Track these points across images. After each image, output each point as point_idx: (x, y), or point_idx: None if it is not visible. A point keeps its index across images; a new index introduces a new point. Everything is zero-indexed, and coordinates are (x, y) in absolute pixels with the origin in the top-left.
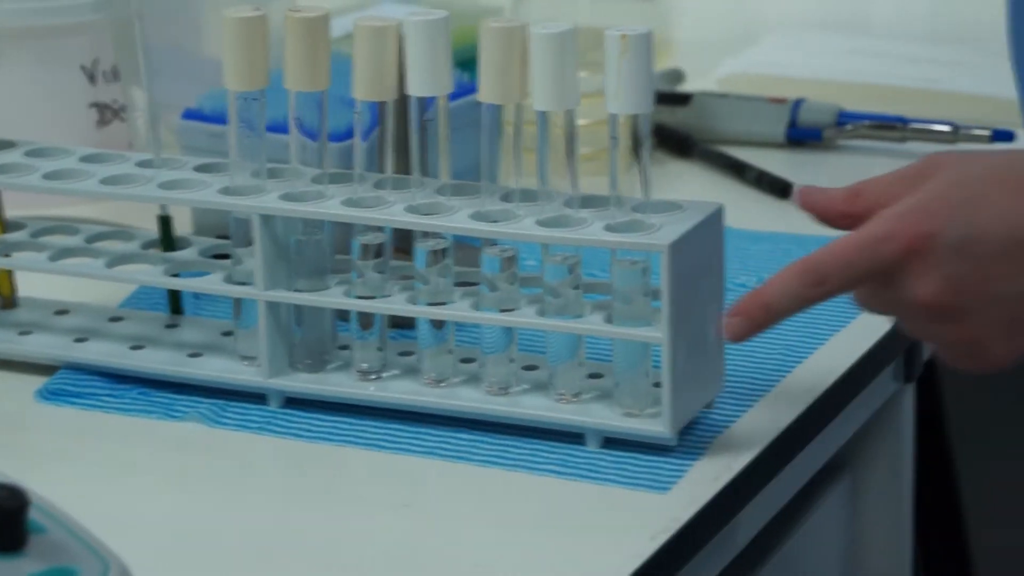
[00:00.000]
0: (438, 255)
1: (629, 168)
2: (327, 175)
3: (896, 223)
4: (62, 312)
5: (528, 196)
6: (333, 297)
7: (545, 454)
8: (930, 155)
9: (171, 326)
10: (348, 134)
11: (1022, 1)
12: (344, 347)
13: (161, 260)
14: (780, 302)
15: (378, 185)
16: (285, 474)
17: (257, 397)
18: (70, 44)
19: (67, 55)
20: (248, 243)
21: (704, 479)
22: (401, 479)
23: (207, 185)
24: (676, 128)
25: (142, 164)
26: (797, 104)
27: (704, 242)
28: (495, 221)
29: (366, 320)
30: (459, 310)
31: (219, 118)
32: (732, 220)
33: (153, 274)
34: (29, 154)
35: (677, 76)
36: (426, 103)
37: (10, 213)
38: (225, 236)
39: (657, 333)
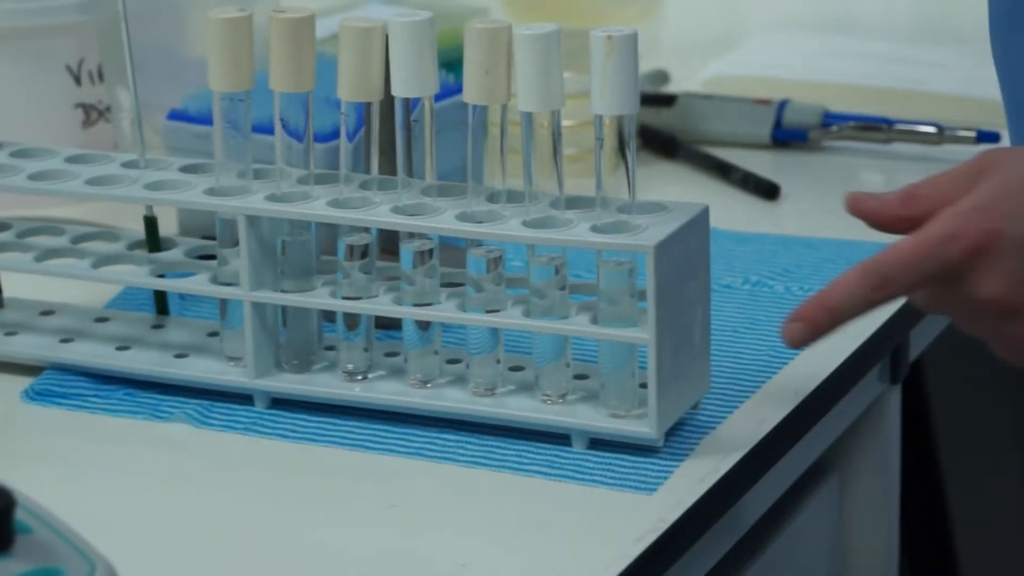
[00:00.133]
0: (424, 256)
1: (615, 169)
2: (313, 176)
3: (961, 222)
4: (48, 313)
5: (514, 197)
6: (319, 298)
7: (531, 455)
8: (984, 153)
9: (157, 327)
10: (334, 135)
11: (1004, 3)
12: (330, 348)
13: (147, 261)
14: (844, 306)
15: (364, 186)
16: (271, 475)
17: (243, 398)
18: (55, 45)
19: (52, 56)
20: (234, 244)
21: (690, 480)
22: (387, 480)
23: (193, 186)
24: (661, 129)
25: (127, 165)
26: (782, 105)
27: (690, 243)
28: (481, 222)
29: (352, 321)
30: (445, 311)
31: (204, 119)
32: (717, 221)
33: (139, 275)
34: (14, 155)
35: (662, 77)
36: (411, 104)
37: None
38: (211, 237)
39: (643, 334)
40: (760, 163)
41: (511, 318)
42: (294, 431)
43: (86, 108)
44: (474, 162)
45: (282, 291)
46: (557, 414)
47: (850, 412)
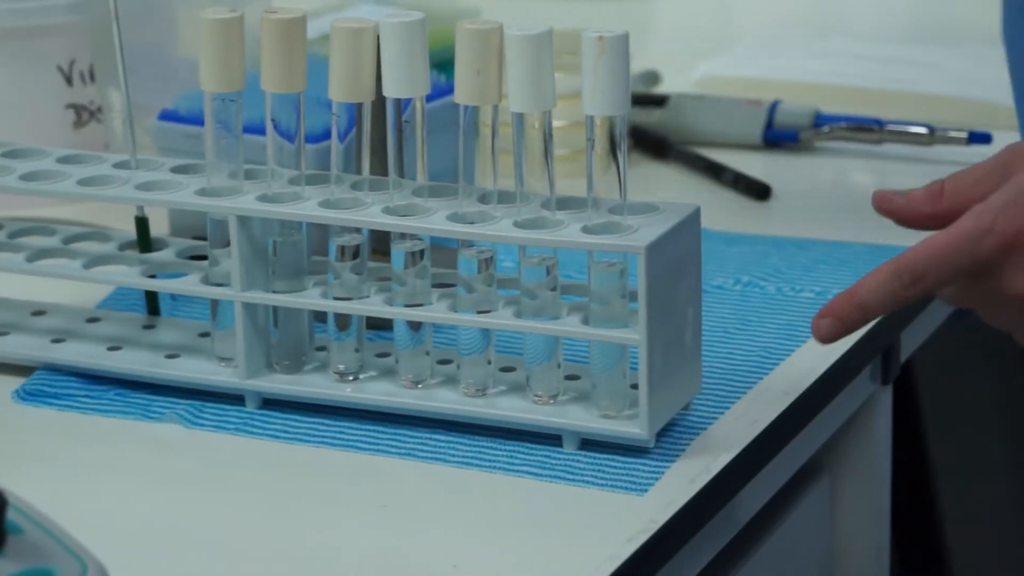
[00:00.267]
0: (415, 256)
1: (606, 170)
2: (304, 176)
3: (992, 218)
4: (39, 313)
5: (505, 198)
6: (310, 298)
7: (522, 455)
8: (1009, 148)
9: (148, 327)
10: (325, 135)
11: (1018, 7)
12: (321, 348)
13: (138, 261)
14: (875, 302)
15: (355, 186)
16: (262, 475)
17: (234, 398)
18: (47, 45)
19: (44, 56)
20: (225, 244)
21: (681, 481)
22: (378, 480)
23: (184, 186)
24: (652, 130)
25: (119, 165)
26: (774, 106)
27: (681, 244)
28: (472, 223)
29: (343, 321)
30: (436, 312)
31: (196, 119)
32: (709, 222)
33: (130, 275)
34: (5, 155)
35: (653, 78)
36: (403, 105)
37: None
38: (202, 237)
39: (634, 335)
40: (751, 164)
41: (502, 319)
42: (285, 431)
43: (77, 108)
44: (465, 163)
45: (273, 291)
46: (548, 415)
47: (841, 413)
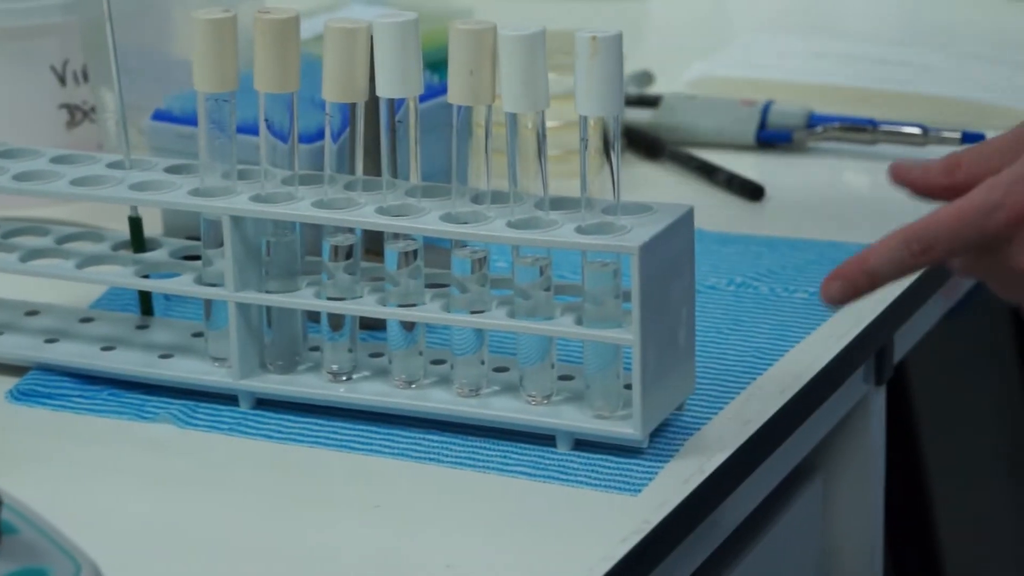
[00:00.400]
0: (408, 257)
1: (599, 170)
2: (297, 176)
3: (1003, 192)
4: (32, 313)
5: (498, 198)
6: (303, 298)
7: (516, 456)
8: None
9: (142, 327)
10: (318, 136)
11: None
12: (315, 348)
13: (131, 261)
14: (884, 268)
15: (348, 187)
16: (256, 475)
17: (228, 398)
18: (40, 45)
19: (37, 56)
20: (218, 244)
21: (675, 481)
22: (371, 480)
23: (177, 186)
24: (645, 130)
25: (112, 165)
26: (767, 106)
27: (674, 244)
28: (465, 223)
29: (336, 321)
30: (429, 312)
31: (189, 119)
32: (702, 222)
33: (123, 275)
34: None
35: (646, 78)
36: (396, 105)
37: None
38: (195, 237)
39: (628, 335)
40: (745, 164)
41: (496, 319)
42: (279, 431)
43: (71, 109)
44: (459, 163)
45: (267, 292)
46: (542, 415)
47: (835, 413)
